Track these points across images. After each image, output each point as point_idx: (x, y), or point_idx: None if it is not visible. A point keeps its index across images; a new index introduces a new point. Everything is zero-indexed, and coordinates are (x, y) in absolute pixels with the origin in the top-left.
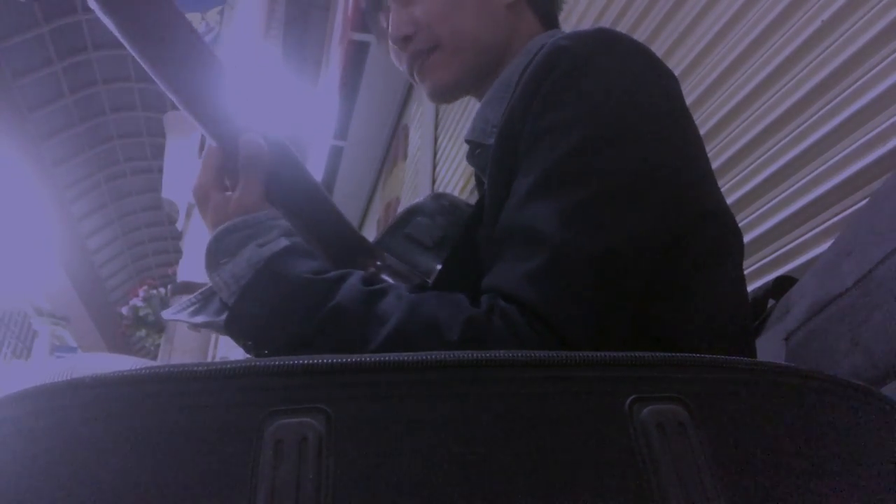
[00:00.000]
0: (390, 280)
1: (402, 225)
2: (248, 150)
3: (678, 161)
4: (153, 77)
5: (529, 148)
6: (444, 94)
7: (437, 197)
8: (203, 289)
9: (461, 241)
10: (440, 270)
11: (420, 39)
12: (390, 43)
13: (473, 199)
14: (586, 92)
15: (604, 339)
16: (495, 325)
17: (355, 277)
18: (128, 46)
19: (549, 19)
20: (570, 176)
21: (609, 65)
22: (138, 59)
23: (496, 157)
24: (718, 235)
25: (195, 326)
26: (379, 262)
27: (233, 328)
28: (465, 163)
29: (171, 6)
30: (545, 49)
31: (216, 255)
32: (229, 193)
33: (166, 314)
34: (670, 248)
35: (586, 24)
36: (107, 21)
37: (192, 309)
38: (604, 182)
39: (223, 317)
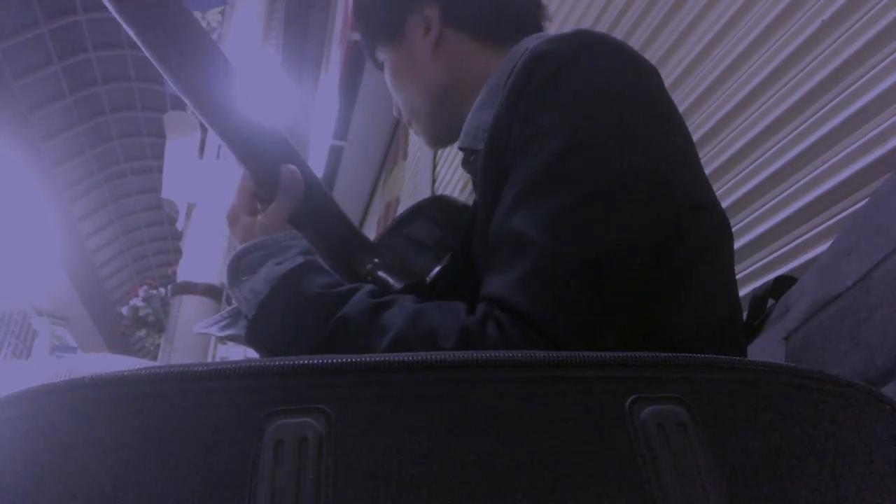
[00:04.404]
0: (387, 277)
1: (403, 225)
2: (286, 181)
3: (664, 157)
4: (201, 118)
5: (515, 154)
6: (436, 145)
7: (438, 199)
8: (233, 306)
9: (459, 247)
10: (438, 273)
11: (403, 116)
12: None
13: (472, 202)
14: (567, 95)
15: (595, 341)
16: (489, 332)
17: (364, 291)
18: (183, 95)
19: (485, 32)
20: (554, 181)
21: (589, 66)
22: (191, 106)
23: (485, 165)
24: (710, 228)
25: (223, 340)
26: (376, 260)
27: (253, 340)
28: None
29: (224, 62)
30: (526, 53)
31: (237, 272)
32: (257, 217)
33: (197, 328)
34: (662, 244)
35: (586, 25)
36: (167, 76)
37: (222, 324)
38: (588, 185)
39: None
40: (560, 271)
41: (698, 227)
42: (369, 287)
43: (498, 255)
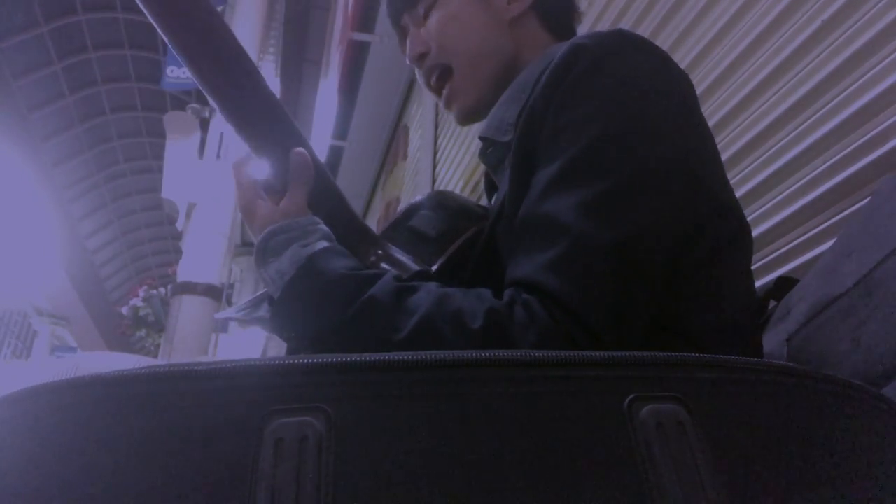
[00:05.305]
0: (392, 269)
1: (406, 218)
2: (298, 165)
3: (693, 156)
4: (216, 106)
5: (549, 143)
6: (471, 116)
7: (439, 193)
8: (255, 295)
9: (479, 240)
10: (444, 261)
11: (432, 56)
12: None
13: (474, 199)
14: (602, 88)
15: (623, 326)
16: (517, 314)
17: (389, 274)
18: (195, 77)
19: (560, 28)
20: (588, 168)
21: (626, 63)
22: (203, 89)
23: (517, 153)
24: (734, 228)
25: (245, 323)
26: (380, 251)
27: (277, 320)
28: (465, 163)
29: (233, 40)
30: (565, 48)
31: (264, 254)
32: (276, 204)
33: (218, 315)
34: (689, 238)
35: (586, 25)
36: (174, 47)
37: (245, 310)
38: (622, 174)
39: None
40: (592, 256)
41: (719, 225)
42: (394, 272)
43: (527, 240)
